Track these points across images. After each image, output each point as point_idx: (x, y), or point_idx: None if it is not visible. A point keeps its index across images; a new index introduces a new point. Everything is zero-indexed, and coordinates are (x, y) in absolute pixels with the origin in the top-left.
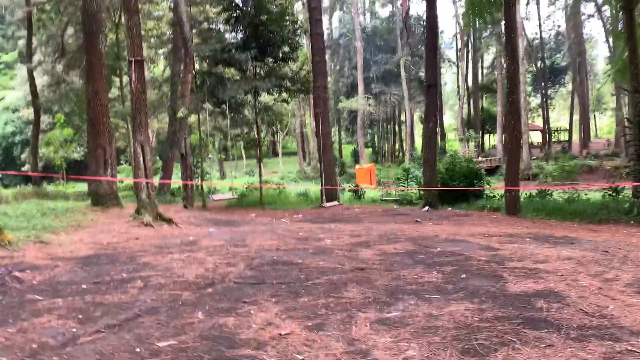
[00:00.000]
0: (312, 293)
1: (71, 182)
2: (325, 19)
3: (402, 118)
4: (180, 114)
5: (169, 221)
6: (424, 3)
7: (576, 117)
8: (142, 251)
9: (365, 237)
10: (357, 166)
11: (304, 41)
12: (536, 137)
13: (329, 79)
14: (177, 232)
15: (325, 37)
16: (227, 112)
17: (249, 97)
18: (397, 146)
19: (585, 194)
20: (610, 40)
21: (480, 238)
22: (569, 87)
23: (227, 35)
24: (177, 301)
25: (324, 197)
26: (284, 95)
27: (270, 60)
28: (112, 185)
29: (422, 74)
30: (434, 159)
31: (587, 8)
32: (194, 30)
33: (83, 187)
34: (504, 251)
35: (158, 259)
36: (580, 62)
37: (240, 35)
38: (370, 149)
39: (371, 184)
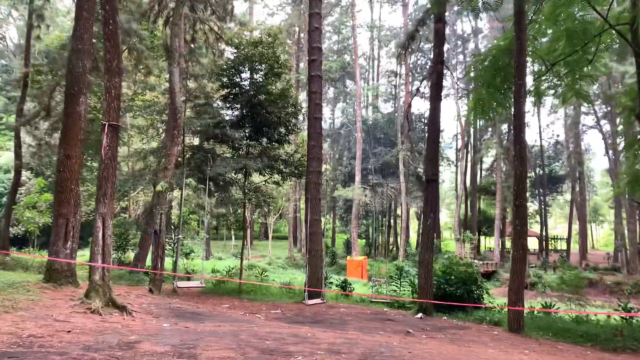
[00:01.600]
0: None
1: (44, 251)
2: (328, 109)
3: (398, 212)
4: (159, 188)
5: (122, 309)
6: (426, 102)
7: (574, 226)
8: (61, 354)
9: (345, 355)
10: (348, 257)
11: (304, 124)
12: (531, 244)
13: (327, 166)
14: (123, 325)
15: (327, 126)
16: (212, 189)
17: (240, 176)
18: (391, 240)
19: (595, 315)
20: (611, 152)
21: None
22: (566, 196)
23: (222, 112)
24: None
25: (306, 294)
26: (276, 177)
27: (265, 140)
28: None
29: (420, 170)
30: (430, 260)
31: (587, 119)
32: (188, 104)
33: None
34: None
35: None
36: (580, 172)
37: (236, 113)
38: (363, 241)
39: (362, 277)
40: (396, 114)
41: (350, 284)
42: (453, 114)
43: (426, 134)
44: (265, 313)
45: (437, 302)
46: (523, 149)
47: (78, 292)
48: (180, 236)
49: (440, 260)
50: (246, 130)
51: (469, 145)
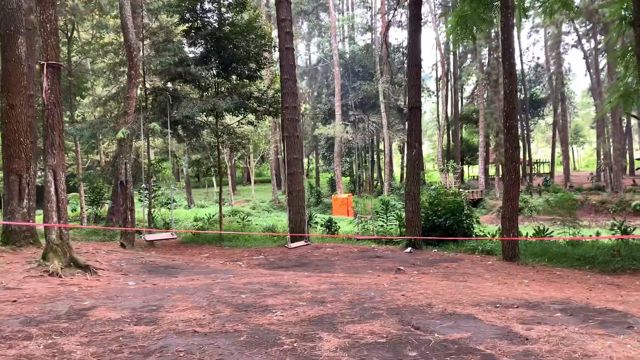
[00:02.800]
0: None
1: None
2: (303, 45)
3: (381, 147)
4: (120, 135)
5: (86, 268)
6: (404, 31)
7: (557, 149)
8: None
9: (330, 305)
10: (333, 196)
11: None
12: None
13: (307, 105)
14: (82, 287)
15: (303, 62)
16: (181, 134)
17: (212, 118)
18: (375, 175)
19: (598, 234)
20: (592, 71)
21: (491, 311)
22: (548, 119)
23: (185, 49)
24: None
25: (289, 237)
26: (250, 117)
27: (235, 78)
28: (27, 220)
29: (401, 102)
30: (417, 192)
31: (567, 39)
32: (146, 41)
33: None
34: (536, 343)
35: None
36: (562, 93)
37: (200, 49)
38: (348, 178)
39: (348, 215)
40: (374, 46)
41: (336, 223)
42: (431, 43)
43: (405, 65)
44: (247, 260)
45: (425, 237)
46: (512, 65)
47: (39, 254)
48: (152, 185)
49: (426, 192)
50: (213, 68)
51: (449, 73)
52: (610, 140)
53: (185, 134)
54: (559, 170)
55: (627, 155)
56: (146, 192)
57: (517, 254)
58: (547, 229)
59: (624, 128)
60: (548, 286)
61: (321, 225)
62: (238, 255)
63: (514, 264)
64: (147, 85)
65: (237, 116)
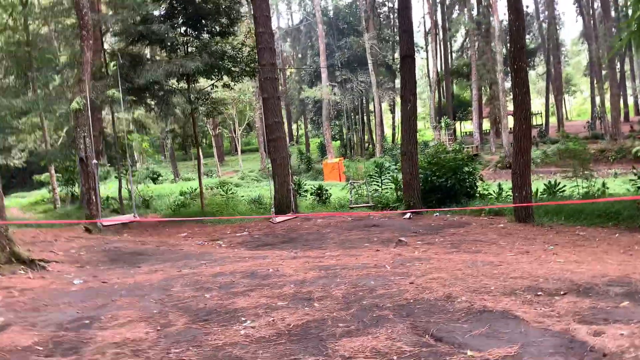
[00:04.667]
0: None
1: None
2: (283, 5)
3: (370, 108)
4: (74, 105)
5: (30, 263)
6: None
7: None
8: None
9: (319, 304)
10: (324, 161)
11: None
12: (509, 123)
13: (292, 70)
14: (11, 293)
15: (284, 23)
16: (149, 102)
17: (184, 84)
18: (366, 137)
19: (604, 185)
20: (584, 15)
21: (533, 303)
22: (539, 69)
23: (148, 7)
24: None
25: (273, 210)
26: (226, 79)
27: (206, 36)
28: None
29: (389, 59)
30: (415, 151)
31: None
32: None
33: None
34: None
35: None
36: (556, 39)
37: (164, 6)
38: (338, 142)
39: (340, 180)
40: (358, 2)
41: (327, 190)
42: None
43: (392, 20)
44: (230, 238)
45: (426, 207)
46: None
47: None
48: (120, 162)
49: (425, 151)
50: (180, 26)
51: (437, 26)
52: (605, 86)
53: (155, 102)
54: (552, 121)
55: (622, 101)
56: (124, 168)
57: (530, 214)
58: (559, 183)
59: (618, 74)
60: (580, 253)
61: (311, 194)
62: (220, 233)
63: (529, 225)
64: (107, 48)
65: (212, 79)
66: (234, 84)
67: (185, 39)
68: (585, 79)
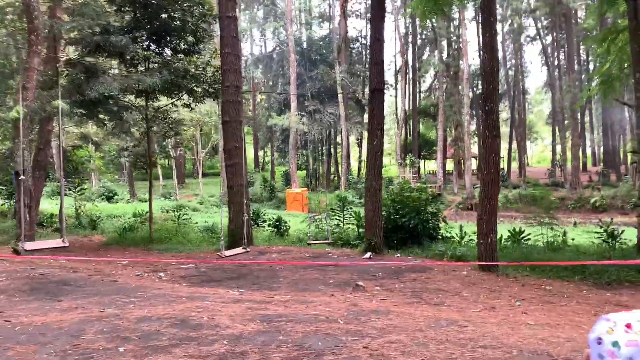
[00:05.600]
0: None
1: None
2: (257, 32)
3: (338, 140)
4: (14, 113)
5: None
6: (361, 21)
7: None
8: None
9: None
10: (287, 190)
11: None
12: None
13: (262, 96)
14: None
15: (258, 50)
16: (102, 117)
17: (142, 100)
18: (332, 169)
19: (569, 235)
20: (549, 65)
21: None
22: (502, 115)
23: (111, 18)
24: None
25: (222, 243)
26: (186, 98)
27: (170, 53)
28: None
29: (358, 93)
30: (379, 187)
31: (529, 30)
32: (61, 2)
33: None
34: None
35: None
36: (523, 85)
37: (127, 18)
38: (304, 172)
39: (302, 210)
40: (331, 36)
41: (286, 222)
42: (390, 35)
43: (364, 56)
44: (173, 269)
45: (387, 247)
46: (493, 37)
47: None
48: (64, 179)
49: (385, 188)
50: (143, 40)
51: (408, 65)
52: (566, 135)
53: (107, 116)
54: (513, 166)
55: (581, 152)
56: (68, 185)
57: (495, 263)
58: (523, 230)
59: (579, 125)
60: (550, 313)
61: (269, 225)
62: (164, 263)
63: (493, 275)
64: (61, 57)
65: (172, 97)
66: (196, 105)
67: (147, 53)
68: (546, 127)
